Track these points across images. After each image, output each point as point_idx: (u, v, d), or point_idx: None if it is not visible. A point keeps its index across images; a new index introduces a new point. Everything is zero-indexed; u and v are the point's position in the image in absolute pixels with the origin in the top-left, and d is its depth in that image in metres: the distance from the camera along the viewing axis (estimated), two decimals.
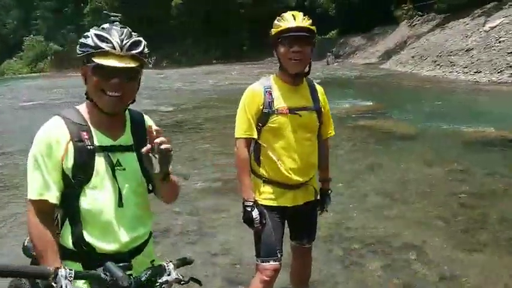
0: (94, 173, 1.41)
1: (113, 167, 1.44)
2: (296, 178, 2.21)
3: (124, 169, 1.46)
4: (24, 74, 55.35)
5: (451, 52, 16.32)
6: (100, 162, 1.42)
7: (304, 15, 2.15)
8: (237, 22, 51.15)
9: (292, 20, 2.10)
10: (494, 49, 14.02)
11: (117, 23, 1.45)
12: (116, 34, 1.38)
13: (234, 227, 3.88)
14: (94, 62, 1.35)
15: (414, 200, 4.31)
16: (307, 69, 2.23)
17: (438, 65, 16.67)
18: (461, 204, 4.09)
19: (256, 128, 2.19)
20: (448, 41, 17.52)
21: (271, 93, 2.18)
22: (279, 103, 2.16)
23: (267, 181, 2.24)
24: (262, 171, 2.25)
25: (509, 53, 13.21)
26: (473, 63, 14.56)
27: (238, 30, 52.06)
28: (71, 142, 1.39)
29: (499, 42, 14.09)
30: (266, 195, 2.24)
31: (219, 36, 49.86)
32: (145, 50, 1.44)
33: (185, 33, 50.68)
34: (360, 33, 32.22)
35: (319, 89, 2.33)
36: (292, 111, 2.16)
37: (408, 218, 3.91)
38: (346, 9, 33.06)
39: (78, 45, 1.41)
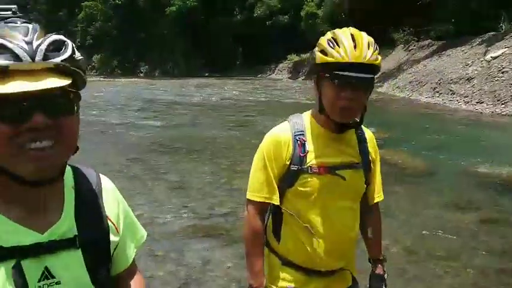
0: None
1: (35, 282, 0.79)
2: (331, 262, 1.58)
3: (58, 282, 0.81)
4: None
5: (451, 80, 15.98)
6: (5, 280, 0.76)
7: (369, 39, 1.47)
8: (231, 36, 51.07)
9: (350, 48, 1.41)
10: (497, 80, 13.68)
11: (15, 18, 0.82)
12: (17, 35, 0.74)
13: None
14: None
15: (447, 260, 3.65)
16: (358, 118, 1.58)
17: (438, 92, 16.32)
18: (501, 270, 3.45)
19: (279, 189, 1.55)
20: (447, 68, 17.22)
21: (304, 144, 1.52)
22: (315, 158, 1.51)
23: (288, 263, 1.59)
24: (282, 249, 1.60)
25: None
26: (474, 93, 14.19)
27: (233, 44, 51.96)
28: None
29: (502, 72, 13.77)
30: (285, 283, 1.59)
31: (213, 49, 49.60)
32: (77, 54, 0.81)
33: (178, 44, 50.38)
34: None
35: (370, 136, 1.68)
36: (332, 170, 1.52)
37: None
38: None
39: None
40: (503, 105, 12.50)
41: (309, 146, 1.53)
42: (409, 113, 13.66)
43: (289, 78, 38.53)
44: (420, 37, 25.62)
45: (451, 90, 15.53)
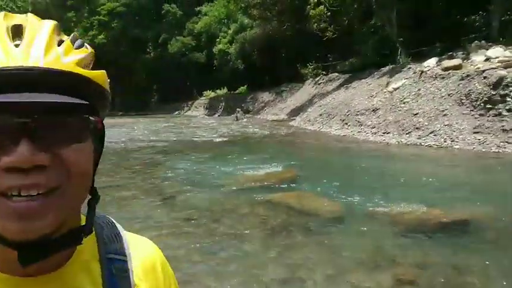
0: None
1: None
2: None
3: None
4: None
5: (358, 111, 16.29)
6: None
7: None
8: (145, 73, 49.88)
9: (3, 43, 0.53)
10: (400, 110, 14.09)
11: None
12: None
13: None
14: None
15: None
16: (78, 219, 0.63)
17: (346, 123, 16.52)
18: None
19: None
20: (354, 100, 17.65)
21: None
22: None
23: None
24: None
25: (414, 114, 13.26)
26: (380, 123, 14.47)
27: (147, 81, 50.56)
28: None
29: (404, 103, 14.24)
30: None
31: (127, 87, 47.78)
32: None
33: None
34: (268, 89, 32.59)
35: (148, 257, 0.72)
36: None
37: None
38: (254, 64, 33.47)
39: None
40: (407, 135, 12.76)
41: None
42: (320, 147, 13.45)
43: (205, 114, 38.15)
44: (328, 71, 26.64)
45: (358, 122, 15.77)
